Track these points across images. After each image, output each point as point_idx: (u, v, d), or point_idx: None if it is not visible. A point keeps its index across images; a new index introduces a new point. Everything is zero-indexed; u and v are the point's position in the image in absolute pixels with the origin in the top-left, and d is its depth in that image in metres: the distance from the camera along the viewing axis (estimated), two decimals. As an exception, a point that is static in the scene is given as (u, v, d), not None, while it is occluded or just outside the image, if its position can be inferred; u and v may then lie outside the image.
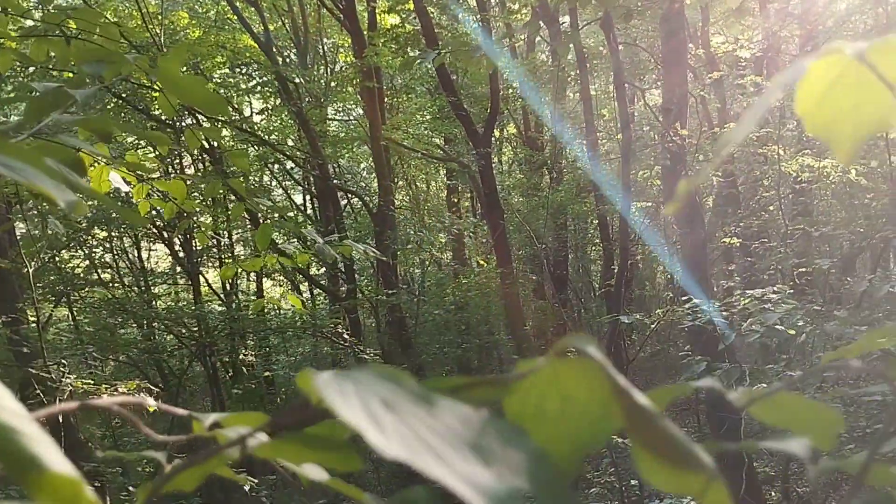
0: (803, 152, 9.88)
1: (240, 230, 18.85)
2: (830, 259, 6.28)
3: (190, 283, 17.03)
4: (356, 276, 15.25)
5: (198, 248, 14.04)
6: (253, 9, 14.14)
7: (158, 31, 13.36)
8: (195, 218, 3.32)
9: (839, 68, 0.50)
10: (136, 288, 17.72)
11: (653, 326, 7.22)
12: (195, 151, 14.07)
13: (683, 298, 5.84)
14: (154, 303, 17.02)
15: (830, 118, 0.52)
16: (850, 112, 0.51)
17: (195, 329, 14.31)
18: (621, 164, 8.38)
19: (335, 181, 16.13)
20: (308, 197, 19.57)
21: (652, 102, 15.28)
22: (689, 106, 14.90)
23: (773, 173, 9.35)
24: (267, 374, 13.85)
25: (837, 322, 4.41)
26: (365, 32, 13.90)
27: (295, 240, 3.28)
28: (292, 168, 17.55)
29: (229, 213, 17.88)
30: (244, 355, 15.19)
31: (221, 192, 17.00)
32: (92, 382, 6.76)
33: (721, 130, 9.77)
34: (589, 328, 14.54)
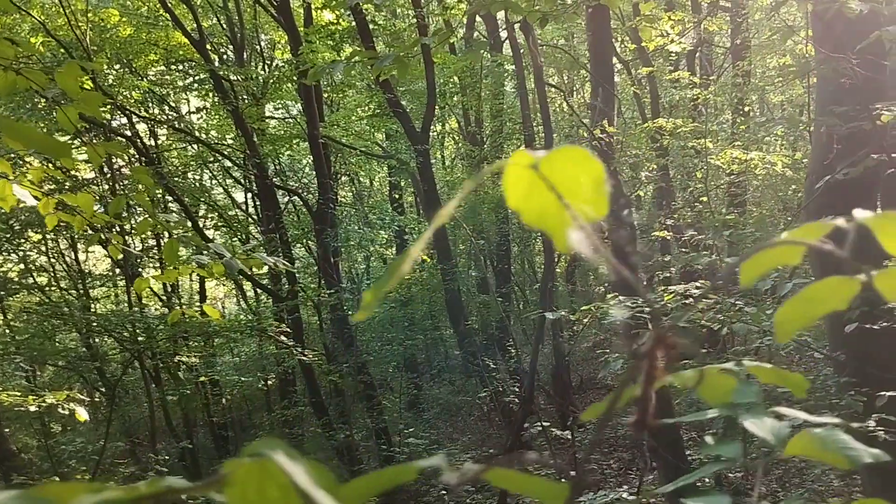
0: (733, 144, 10.09)
1: (182, 229, 18.58)
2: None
3: (129, 285, 16.74)
4: (296, 275, 15.12)
5: (136, 249, 13.80)
6: (185, 6, 13.93)
7: (87, 30, 13.07)
8: (113, 229, 3.27)
9: (529, 174, 0.52)
10: (73, 291, 17.40)
11: (585, 321, 7.32)
12: (126, 157, 13.79)
13: (611, 294, 5.94)
14: (92, 306, 16.74)
15: (539, 212, 0.55)
16: (552, 207, 0.54)
17: (136, 333, 14.09)
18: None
19: (274, 179, 15.99)
20: (249, 195, 19.37)
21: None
22: (625, 100, 15.10)
23: (704, 166, 9.52)
24: (202, 378, 13.67)
25: (750, 317, 4.53)
26: (301, 29, 13.80)
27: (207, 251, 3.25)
28: (230, 167, 17.34)
29: (167, 218, 17.71)
30: (187, 357, 14.99)
31: (159, 193, 16.75)
32: (19, 395, 6.62)
33: (654, 124, 9.92)
34: (530, 321, 14.67)
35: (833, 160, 4.50)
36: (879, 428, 3.80)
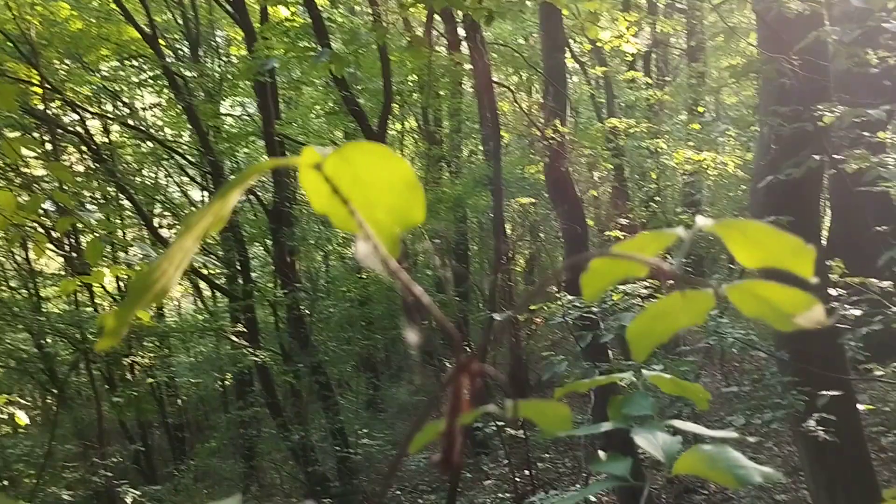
0: (687, 145, 10.17)
1: (135, 228, 18.30)
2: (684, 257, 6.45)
3: (83, 286, 16.41)
4: (251, 273, 14.95)
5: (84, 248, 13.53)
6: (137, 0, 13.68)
7: (34, 23, 12.77)
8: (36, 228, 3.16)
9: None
10: (23, 291, 17.05)
11: (538, 321, 7.30)
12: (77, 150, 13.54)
13: (561, 294, 5.92)
14: (43, 306, 16.39)
15: (343, 219, 0.48)
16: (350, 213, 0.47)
17: (86, 333, 13.81)
18: (493, 162, 8.45)
19: (231, 177, 15.79)
20: (206, 194, 19.11)
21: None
22: (583, 101, 15.15)
23: (658, 166, 9.57)
24: (150, 380, 13.46)
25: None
26: (256, 26, 13.63)
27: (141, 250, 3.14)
28: (186, 164, 17.09)
29: (125, 212, 17.42)
30: (141, 357, 14.75)
31: (112, 191, 16.44)
32: (-45, 398, 6.40)
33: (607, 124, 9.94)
34: (487, 321, 14.63)
35: (775, 160, 4.52)
36: (820, 427, 3.81)
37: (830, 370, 4.91)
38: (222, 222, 0.43)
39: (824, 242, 8.00)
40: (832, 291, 5.40)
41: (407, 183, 0.45)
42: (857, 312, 5.23)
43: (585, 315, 5.05)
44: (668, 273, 0.46)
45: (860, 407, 5.40)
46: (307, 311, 14.41)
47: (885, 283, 5.29)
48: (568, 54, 12.84)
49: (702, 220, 0.49)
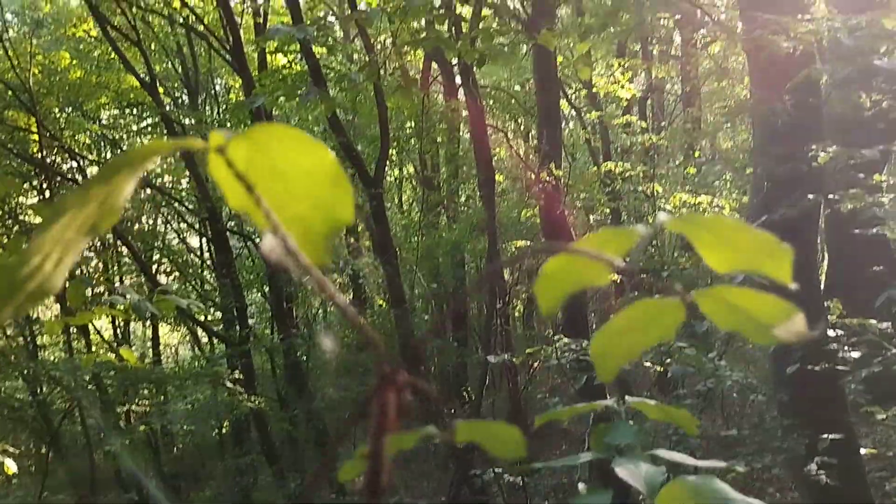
0: (684, 188, 10.16)
1: (133, 274, 18.23)
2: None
3: (78, 332, 16.32)
4: (249, 319, 14.87)
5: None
6: (137, 49, 13.81)
7: (34, 72, 12.88)
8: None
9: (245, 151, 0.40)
10: (20, 338, 16.93)
11: (535, 365, 7.21)
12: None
13: (556, 337, 5.85)
14: (39, 353, 16.25)
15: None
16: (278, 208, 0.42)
17: (82, 380, 13.67)
18: (485, 205, 8.44)
19: (229, 223, 15.78)
20: (205, 240, 19.10)
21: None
22: (578, 145, 15.21)
23: (655, 210, 9.55)
24: (143, 428, 13.29)
25: (690, 358, 4.47)
26: (255, 74, 13.73)
27: (124, 294, 3.09)
28: (184, 211, 17.10)
29: (123, 258, 17.41)
30: (136, 405, 14.59)
31: (109, 238, 16.41)
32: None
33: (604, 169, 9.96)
34: (485, 364, 14.51)
35: (769, 200, 4.48)
36: (822, 472, 3.71)
37: (831, 413, 4.82)
38: (114, 216, 0.37)
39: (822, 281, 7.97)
40: (831, 333, 5.34)
41: (331, 175, 0.40)
42: (857, 354, 5.16)
43: (581, 357, 4.98)
44: (628, 270, 0.40)
45: (863, 451, 5.29)
46: (304, 358, 14.29)
47: (885, 325, 5.22)
48: (563, 100, 12.93)
49: (664, 216, 0.44)
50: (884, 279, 5.34)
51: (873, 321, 5.24)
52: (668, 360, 5.01)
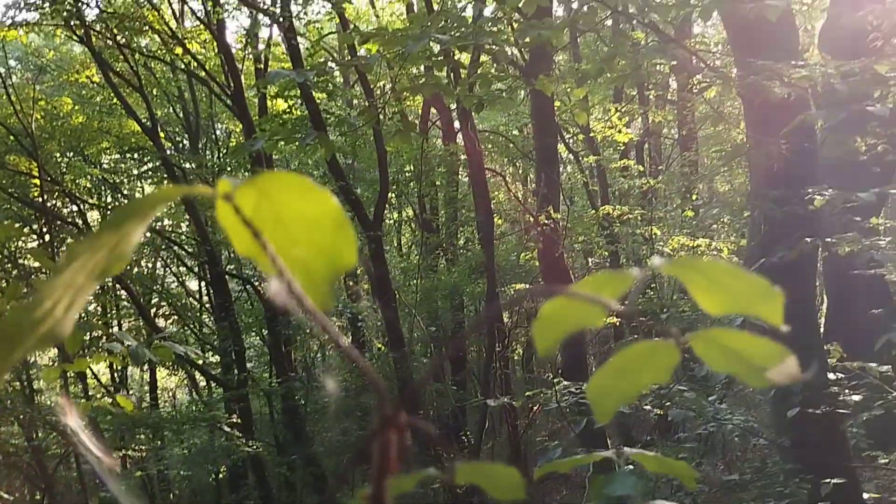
0: (682, 232, 10.19)
1: (131, 318, 18.18)
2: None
3: (76, 377, 16.24)
4: (247, 362, 14.81)
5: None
6: (139, 95, 13.96)
7: (36, 117, 13.00)
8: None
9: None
10: (16, 384, 16.81)
11: (535, 409, 7.17)
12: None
13: (556, 380, 5.83)
14: (35, 399, 16.14)
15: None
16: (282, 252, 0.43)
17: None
18: (484, 248, 8.47)
19: (228, 267, 15.80)
20: (204, 284, 19.10)
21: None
22: (577, 189, 15.30)
23: (653, 253, 9.57)
24: (138, 473, 13.17)
25: (690, 402, 4.45)
26: (255, 118, 13.86)
27: (121, 339, 3.10)
28: (184, 255, 17.14)
29: (121, 300, 17.39)
30: (133, 450, 14.47)
31: (108, 282, 16.41)
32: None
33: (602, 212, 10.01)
34: (484, 408, 14.41)
35: (766, 243, 4.51)
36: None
37: (833, 458, 4.79)
38: (123, 262, 0.38)
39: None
40: (831, 376, 5.32)
41: (334, 220, 0.41)
42: (858, 398, 5.14)
43: (581, 401, 4.95)
44: (626, 314, 0.41)
45: (866, 496, 5.24)
46: (302, 402, 14.20)
47: (885, 368, 5.21)
48: (561, 144, 13.04)
49: (659, 260, 0.45)
50: (883, 322, 5.34)
51: (873, 364, 5.23)
52: (668, 404, 4.99)
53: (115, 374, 19.39)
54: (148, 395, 19.22)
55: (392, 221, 20.08)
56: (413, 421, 0.40)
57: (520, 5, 4.11)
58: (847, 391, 5.20)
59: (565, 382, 5.48)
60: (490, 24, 4.28)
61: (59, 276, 0.35)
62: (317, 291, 0.42)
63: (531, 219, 8.64)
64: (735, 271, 0.44)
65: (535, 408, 6.90)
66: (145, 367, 20.09)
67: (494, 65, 5.54)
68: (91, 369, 17.44)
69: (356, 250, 0.42)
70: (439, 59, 4.16)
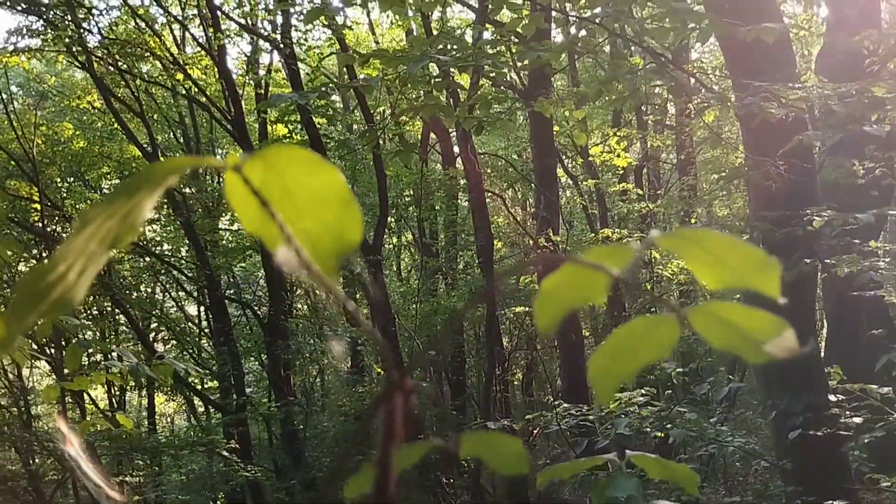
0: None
1: (130, 343, 18.13)
2: (680, 364, 6.42)
3: (73, 401, 16.16)
4: (246, 387, 14.75)
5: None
6: (140, 120, 14.03)
7: (38, 143, 13.05)
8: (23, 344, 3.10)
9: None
10: (14, 409, 16.74)
11: (535, 432, 7.14)
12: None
13: (556, 402, 5.81)
14: (33, 424, 16.05)
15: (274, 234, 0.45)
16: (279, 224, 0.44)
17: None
18: (483, 272, 8.48)
19: (228, 292, 15.80)
20: (203, 309, 19.07)
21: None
22: (576, 213, 15.33)
23: (653, 276, 9.58)
24: (137, 498, 13.06)
25: (691, 423, 4.43)
26: (255, 143, 13.93)
27: (119, 356, 3.10)
28: (183, 280, 17.13)
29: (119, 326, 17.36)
30: (130, 476, 14.38)
31: (107, 306, 16.41)
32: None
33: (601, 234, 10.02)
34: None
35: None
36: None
37: (835, 480, 4.77)
38: (133, 232, 0.39)
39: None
40: (832, 398, 5.31)
41: (341, 197, 0.42)
42: (859, 420, 5.13)
43: (581, 423, 4.94)
44: (619, 277, 0.42)
45: (869, 518, 5.21)
46: (301, 427, 14.14)
47: (885, 389, 5.20)
48: (560, 168, 13.09)
49: (655, 233, 0.46)
50: (883, 343, 5.34)
51: (874, 386, 5.22)
52: (669, 426, 4.97)
53: (113, 400, 19.32)
54: (146, 420, 19.13)
55: (391, 246, 20.09)
56: (418, 387, 0.40)
57: (518, 28, 4.15)
58: (848, 413, 5.19)
59: (565, 405, 5.47)
60: (489, 46, 4.32)
61: (72, 241, 0.35)
62: (322, 266, 0.43)
63: (531, 242, 8.65)
64: (731, 241, 0.45)
65: (536, 431, 6.86)
66: (143, 392, 20.02)
67: (494, 88, 5.58)
68: (88, 394, 17.39)
69: (361, 226, 0.43)
70: (439, 80, 4.19)
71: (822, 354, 7.21)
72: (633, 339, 0.50)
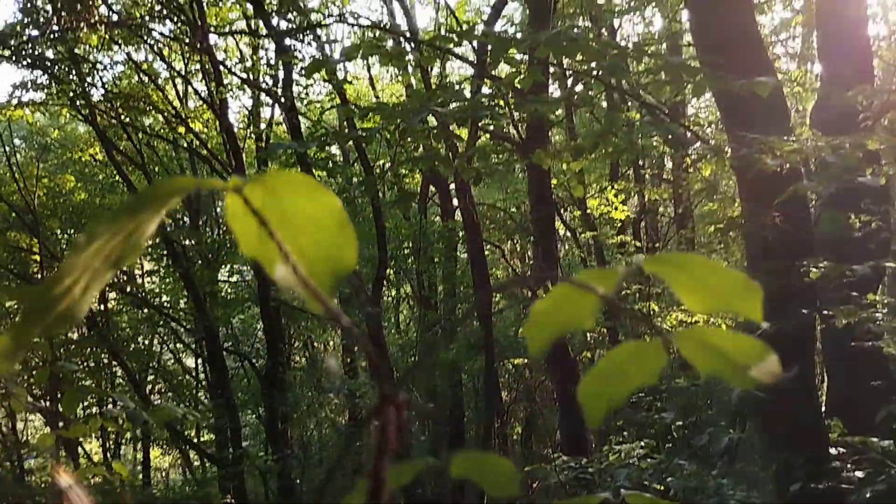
0: (680, 307, 10.21)
1: (126, 395, 17.98)
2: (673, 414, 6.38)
3: (67, 454, 15.98)
4: (242, 440, 14.60)
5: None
6: (141, 172, 14.14)
7: (39, 194, 13.14)
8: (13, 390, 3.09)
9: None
10: (7, 463, 16.53)
11: (534, 485, 7.07)
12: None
13: (555, 455, 5.76)
14: (26, 479, 15.86)
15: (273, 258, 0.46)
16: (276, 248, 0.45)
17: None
18: (483, 328, 8.47)
19: (226, 344, 15.75)
20: (200, 360, 18.99)
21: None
22: (574, 265, 15.36)
23: (651, 328, 9.56)
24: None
25: (691, 476, 4.39)
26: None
27: (121, 404, 3.09)
28: (181, 331, 17.09)
29: (111, 376, 17.26)
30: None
31: (105, 358, 16.33)
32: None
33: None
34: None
35: (764, 316, 4.50)
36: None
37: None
38: (136, 252, 0.41)
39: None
40: (833, 451, 5.27)
41: (338, 221, 0.44)
42: (861, 474, 5.08)
43: (581, 476, 4.89)
44: (611, 302, 0.43)
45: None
46: (298, 480, 13.96)
47: (887, 443, 5.16)
48: (558, 221, 13.16)
49: (640, 258, 0.47)
50: (884, 394, 5.32)
51: (875, 439, 5.18)
52: (669, 479, 4.93)
53: (108, 453, 19.11)
54: (141, 474, 18.88)
55: (390, 298, 20.08)
56: (410, 400, 0.41)
57: (516, 81, 4.22)
58: (850, 467, 5.14)
59: (564, 457, 5.42)
60: (487, 99, 4.39)
61: (78, 256, 0.37)
62: (319, 287, 0.44)
63: (529, 294, 8.66)
64: (715, 265, 0.46)
65: (534, 484, 6.79)
66: (138, 445, 19.80)
67: (492, 141, 5.66)
68: (83, 447, 17.20)
69: (356, 250, 0.44)
70: (437, 131, 4.25)
71: (823, 407, 7.17)
72: (622, 363, 0.51)
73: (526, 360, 11.09)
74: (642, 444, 5.21)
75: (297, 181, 0.42)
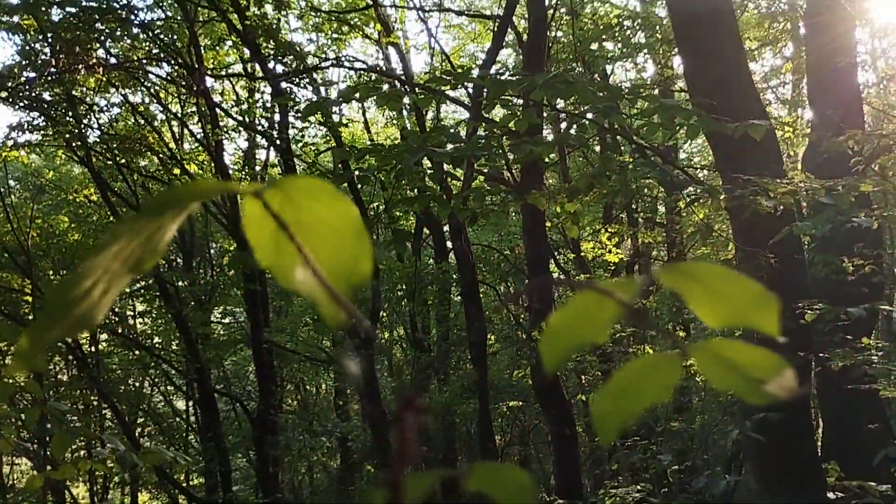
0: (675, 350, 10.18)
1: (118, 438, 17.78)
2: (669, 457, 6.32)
3: (54, 498, 15.75)
4: (233, 485, 14.42)
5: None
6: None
7: (32, 235, 13.12)
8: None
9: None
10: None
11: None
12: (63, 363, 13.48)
13: (550, 499, 5.70)
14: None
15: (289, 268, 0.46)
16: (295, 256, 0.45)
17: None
18: (476, 367, 8.43)
19: (217, 386, 15.63)
20: (191, 403, 18.83)
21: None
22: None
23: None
24: None
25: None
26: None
27: (109, 445, 3.05)
28: (172, 374, 16.95)
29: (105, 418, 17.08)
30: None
31: (94, 400, 16.16)
32: None
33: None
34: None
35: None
36: None
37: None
38: (156, 256, 0.41)
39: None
40: (830, 496, 5.22)
41: (355, 229, 0.44)
42: (860, 518, 5.03)
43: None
44: (630, 306, 0.43)
45: None
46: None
47: (884, 487, 5.12)
48: (552, 263, 13.18)
49: (657, 268, 0.47)
50: (880, 437, 5.29)
51: (872, 483, 5.14)
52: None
53: (95, 497, 18.85)
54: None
55: (383, 340, 20.00)
56: (428, 405, 0.41)
57: (511, 123, 4.26)
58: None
59: (560, 501, 5.37)
60: (482, 141, 4.42)
61: (99, 258, 0.37)
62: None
63: (524, 336, 8.63)
64: (731, 275, 0.46)
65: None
66: (126, 489, 19.52)
67: (487, 182, 5.69)
68: (71, 493, 16.96)
69: (372, 258, 0.44)
70: (433, 172, 4.28)
71: (820, 450, 7.13)
72: (635, 379, 0.51)
73: (520, 403, 11.01)
74: (638, 487, 5.16)
75: (315, 187, 0.43)
